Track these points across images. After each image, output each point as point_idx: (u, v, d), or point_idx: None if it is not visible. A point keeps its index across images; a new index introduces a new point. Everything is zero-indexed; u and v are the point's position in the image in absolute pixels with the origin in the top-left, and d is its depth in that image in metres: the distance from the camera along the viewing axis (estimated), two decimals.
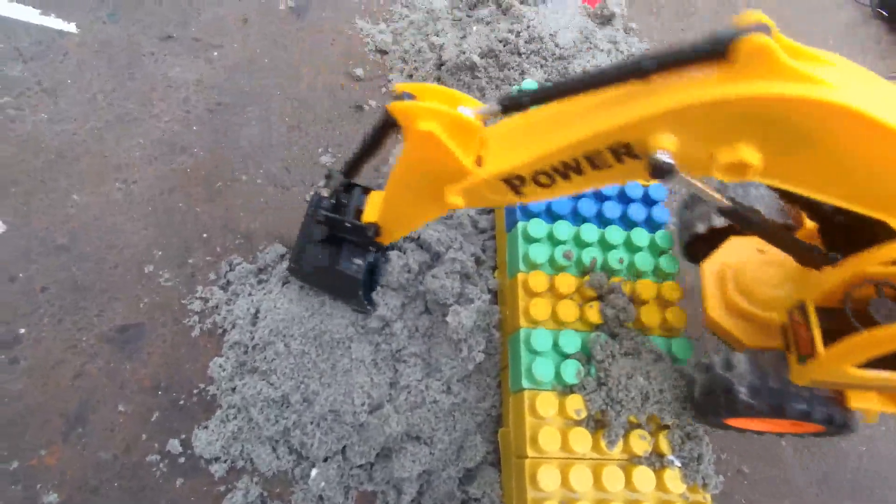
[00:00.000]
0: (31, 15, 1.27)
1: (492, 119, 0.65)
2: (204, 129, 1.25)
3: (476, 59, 1.23)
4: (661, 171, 0.49)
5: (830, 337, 0.65)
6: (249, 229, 1.17)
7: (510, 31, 1.21)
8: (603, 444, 0.85)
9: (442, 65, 1.34)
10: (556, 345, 0.92)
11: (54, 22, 1.28)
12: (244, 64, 1.35)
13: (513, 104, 0.60)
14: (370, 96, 1.37)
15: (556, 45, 1.19)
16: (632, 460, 0.86)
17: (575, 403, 0.86)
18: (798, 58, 0.46)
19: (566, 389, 0.89)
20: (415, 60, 1.38)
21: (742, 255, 0.92)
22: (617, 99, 0.54)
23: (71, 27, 1.28)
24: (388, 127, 0.70)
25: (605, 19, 1.37)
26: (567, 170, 0.59)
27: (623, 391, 0.86)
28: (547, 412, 0.86)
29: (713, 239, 0.94)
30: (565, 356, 0.92)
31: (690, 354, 0.95)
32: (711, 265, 0.94)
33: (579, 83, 0.55)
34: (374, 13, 1.50)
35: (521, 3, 1.27)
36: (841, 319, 0.65)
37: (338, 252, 0.93)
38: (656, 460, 0.86)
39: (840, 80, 0.45)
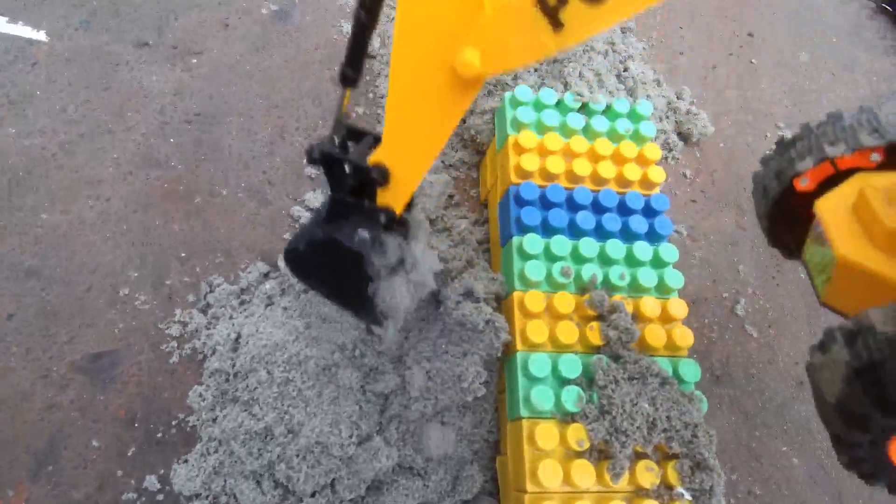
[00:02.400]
0: None
1: None
2: (182, 141, 1.19)
3: None
4: None
5: None
6: (230, 247, 1.11)
7: None
8: (607, 476, 0.79)
9: None
10: (555, 369, 0.86)
11: (23, 30, 1.21)
12: (224, 71, 1.28)
13: None
14: (357, 102, 1.31)
15: None
16: (638, 493, 0.81)
17: (577, 433, 0.81)
18: None
19: (567, 418, 0.83)
20: None
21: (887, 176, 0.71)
22: None
23: (41, 35, 1.22)
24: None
25: None
26: None
27: (628, 419, 0.80)
28: (547, 443, 0.80)
29: (809, 197, 0.75)
30: (565, 382, 0.86)
31: (698, 377, 0.89)
32: (837, 199, 0.75)
33: None
34: None
35: None
36: None
37: (340, 226, 0.74)
38: (665, 493, 0.81)
39: None
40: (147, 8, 1.31)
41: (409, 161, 0.65)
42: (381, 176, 0.66)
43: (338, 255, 0.74)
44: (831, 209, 0.75)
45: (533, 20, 0.46)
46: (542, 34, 0.46)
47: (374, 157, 0.65)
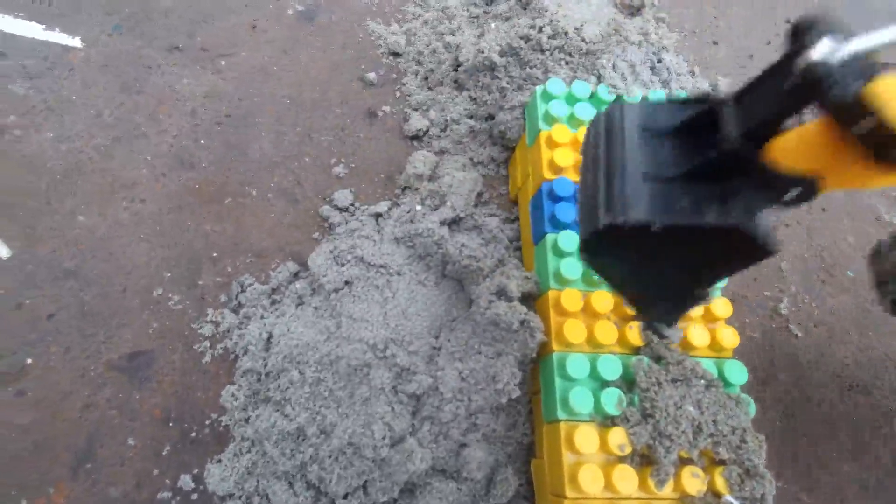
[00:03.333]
0: (35, 31, 1.24)
1: None
2: (212, 143, 1.20)
3: (496, 58, 1.15)
4: None
5: None
6: (261, 247, 1.11)
7: (531, 27, 1.12)
8: (651, 483, 0.76)
9: (459, 66, 1.26)
10: (593, 370, 0.83)
11: (59, 37, 1.24)
12: (253, 73, 1.29)
13: None
14: (384, 101, 1.30)
15: (583, 40, 1.10)
16: (684, 501, 0.77)
17: (618, 437, 0.78)
18: None
19: (607, 421, 0.80)
20: (430, 62, 1.31)
21: None
22: None
23: (76, 42, 1.25)
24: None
25: (635, 9, 1.27)
26: None
27: (672, 423, 0.77)
28: (586, 447, 0.77)
29: None
30: (604, 383, 0.83)
31: (745, 380, 0.85)
32: None
33: None
34: (385, 14, 1.43)
35: None
36: None
37: (713, 196, 0.49)
38: (712, 501, 0.77)
39: None
40: (177, 13, 1.33)
41: None
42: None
43: (710, 244, 0.50)
44: None
45: None
46: None
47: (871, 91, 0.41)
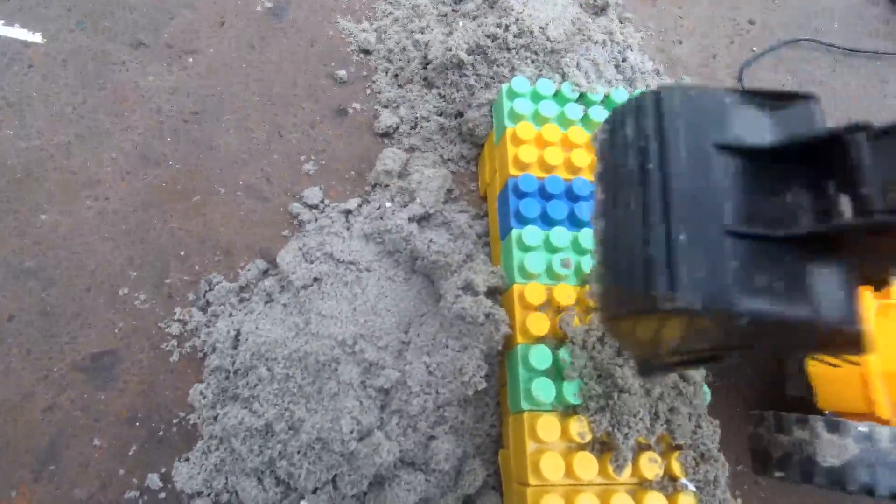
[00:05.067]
0: None
1: None
2: (179, 140, 1.18)
3: (463, 56, 1.16)
4: None
5: None
6: (229, 245, 1.10)
7: (498, 25, 1.14)
8: (610, 468, 0.79)
9: (428, 63, 1.27)
10: (556, 362, 0.85)
11: (18, 32, 1.21)
12: (220, 69, 1.28)
13: None
14: (354, 99, 1.31)
15: (548, 39, 1.12)
16: (642, 485, 0.80)
17: (578, 426, 0.80)
18: None
19: (569, 410, 0.83)
20: (400, 60, 1.32)
21: None
22: None
23: (36, 37, 1.22)
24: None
25: (599, 9, 1.30)
26: None
27: (628, 412, 0.79)
28: (549, 436, 0.79)
29: None
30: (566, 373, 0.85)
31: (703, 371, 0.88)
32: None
33: None
34: (356, 11, 1.43)
35: None
36: None
37: (786, 271, 0.36)
38: (668, 484, 0.80)
39: None
40: (142, 9, 1.31)
41: None
42: None
43: (786, 332, 0.37)
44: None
45: None
46: None
47: None
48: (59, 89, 1.18)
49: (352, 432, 0.87)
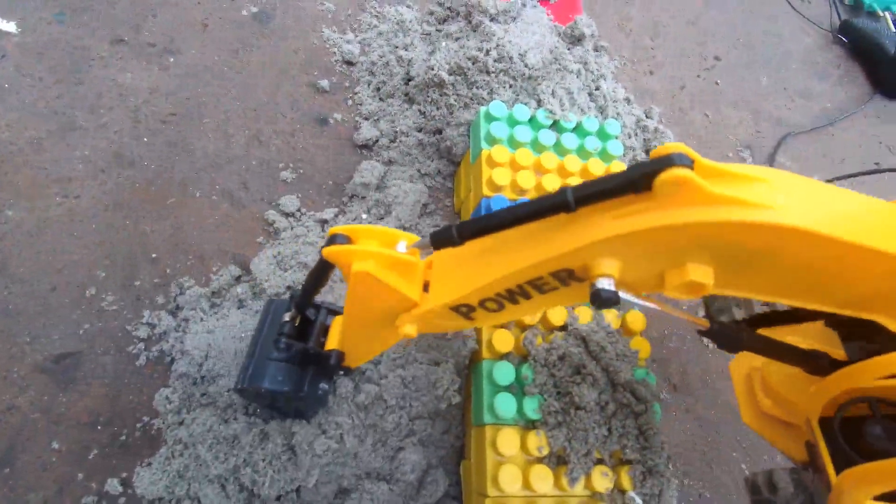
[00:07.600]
0: None
1: (426, 252, 0.62)
2: (156, 141, 1.18)
3: (445, 76, 1.20)
4: (602, 302, 0.47)
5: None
6: (202, 249, 1.10)
7: (479, 49, 1.18)
8: (564, 481, 0.83)
9: (410, 80, 1.30)
10: (518, 378, 0.89)
11: None
12: (201, 72, 1.28)
13: (443, 241, 0.56)
14: (335, 109, 1.33)
15: (526, 65, 1.17)
16: (594, 497, 0.85)
17: (537, 440, 0.84)
18: (726, 181, 0.44)
19: (529, 425, 0.87)
20: (382, 73, 1.34)
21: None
22: (553, 227, 0.50)
23: (10, 27, 1.19)
24: (327, 269, 0.70)
25: (576, 39, 1.36)
26: (513, 295, 0.56)
27: (582, 429, 0.84)
28: (508, 449, 0.83)
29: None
30: (527, 389, 0.89)
31: (654, 381, 0.94)
32: (738, 366, 0.85)
33: (509, 219, 0.51)
34: (341, 22, 1.46)
35: (491, 20, 1.25)
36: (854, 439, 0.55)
37: (301, 375, 0.82)
38: (618, 497, 0.85)
39: (773, 196, 0.43)
40: (124, 4, 1.30)
41: (362, 355, 0.80)
42: (340, 360, 0.78)
43: (300, 402, 0.86)
44: (737, 376, 0.86)
45: (454, 317, 0.63)
46: (459, 321, 0.64)
47: (333, 343, 0.78)
48: (33, 82, 1.16)
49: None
